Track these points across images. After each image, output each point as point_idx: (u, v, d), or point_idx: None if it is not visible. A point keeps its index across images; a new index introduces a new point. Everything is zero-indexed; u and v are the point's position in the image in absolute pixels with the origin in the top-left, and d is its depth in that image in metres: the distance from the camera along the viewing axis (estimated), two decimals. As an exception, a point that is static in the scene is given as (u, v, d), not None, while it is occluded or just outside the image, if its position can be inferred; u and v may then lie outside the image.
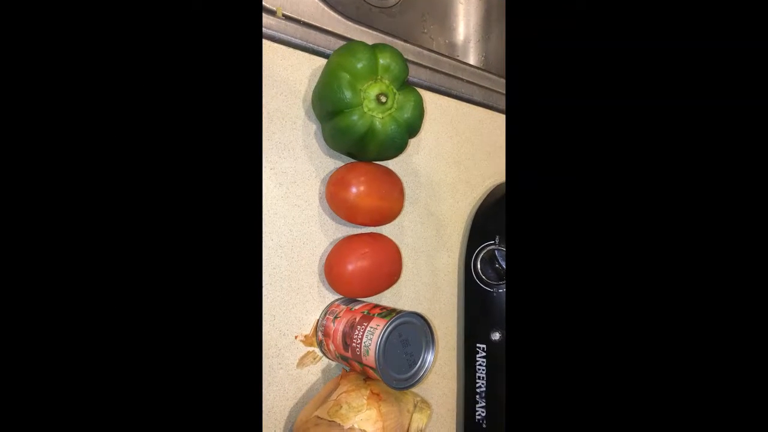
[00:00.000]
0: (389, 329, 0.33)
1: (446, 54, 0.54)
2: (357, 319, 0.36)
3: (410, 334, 0.35)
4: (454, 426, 0.50)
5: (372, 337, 0.33)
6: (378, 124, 0.36)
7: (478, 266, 0.48)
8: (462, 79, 0.53)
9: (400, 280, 0.45)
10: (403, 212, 0.46)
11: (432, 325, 0.36)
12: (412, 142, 0.48)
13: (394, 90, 0.37)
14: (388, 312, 0.35)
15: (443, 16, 0.77)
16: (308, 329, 0.39)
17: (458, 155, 0.51)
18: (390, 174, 0.41)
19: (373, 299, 0.42)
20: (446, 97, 0.51)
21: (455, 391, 0.50)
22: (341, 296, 0.41)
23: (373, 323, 0.34)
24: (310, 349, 0.39)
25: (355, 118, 0.35)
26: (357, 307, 0.38)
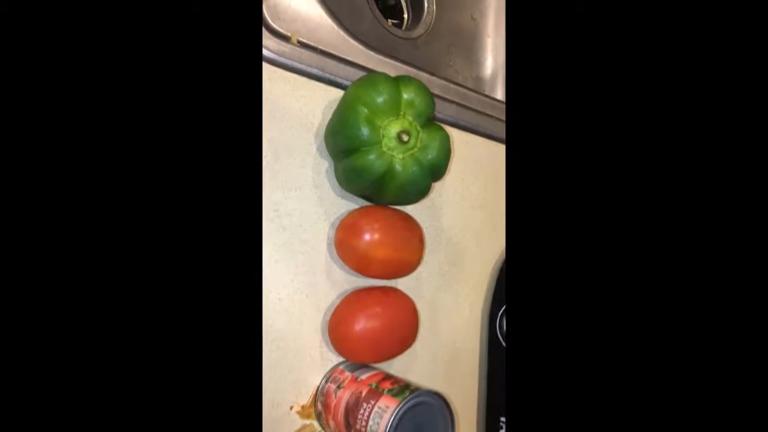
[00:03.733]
0: (401, 413, 0.28)
1: (474, 88, 0.50)
2: (363, 394, 0.30)
3: (426, 417, 0.29)
4: None
5: (380, 421, 0.28)
6: (398, 165, 0.32)
7: (504, 324, 0.43)
8: (491, 116, 0.48)
9: (415, 339, 0.40)
10: (422, 262, 0.41)
11: (452, 405, 0.30)
12: (435, 183, 0.43)
13: (418, 127, 0.32)
14: (400, 389, 0.30)
15: (470, 49, 0.74)
16: (306, 398, 0.34)
17: (485, 198, 0.46)
18: (408, 221, 0.36)
19: (384, 365, 0.37)
20: (473, 135, 0.46)
21: (474, 471, 0.43)
22: (346, 360, 0.35)
23: (381, 402, 0.29)
24: (307, 422, 0.34)
25: (372, 157, 0.31)
26: (364, 377, 0.32)
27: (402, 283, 0.40)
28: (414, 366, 0.40)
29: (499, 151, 0.48)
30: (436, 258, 0.42)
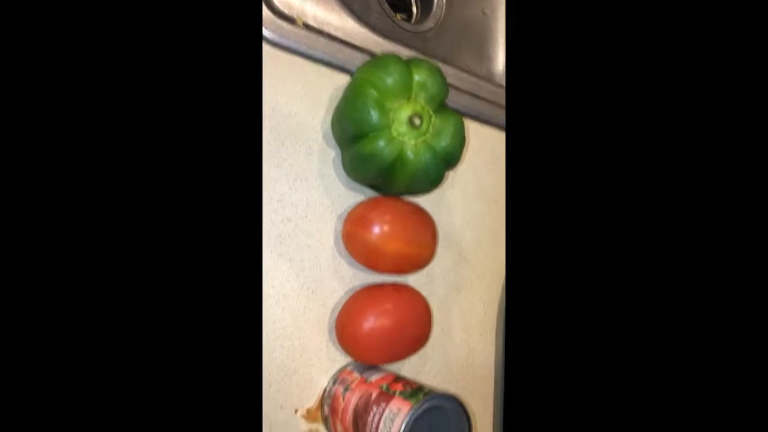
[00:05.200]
0: (414, 417, 0.26)
1: (488, 79, 0.48)
2: (373, 396, 0.28)
3: (440, 423, 0.27)
4: None
5: (392, 425, 0.26)
6: (409, 151, 0.30)
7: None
8: (504, 107, 0.46)
9: (428, 338, 0.37)
10: (434, 258, 0.39)
11: (469, 410, 0.28)
12: (447, 175, 0.41)
13: (431, 112, 0.30)
14: (413, 391, 0.27)
15: (481, 44, 0.72)
16: (312, 401, 0.32)
17: (499, 192, 0.44)
18: (421, 213, 0.34)
19: (394, 366, 0.35)
20: (488, 126, 0.44)
21: (490, 481, 0.40)
22: (354, 361, 0.33)
23: (393, 405, 0.27)
24: (313, 426, 0.31)
25: (381, 143, 0.29)
26: (374, 379, 0.30)
27: (413, 280, 0.37)
28: (425, 368, 0.38)
29: (514, 143, 0.46)
30: (450, 253, 0.40)
